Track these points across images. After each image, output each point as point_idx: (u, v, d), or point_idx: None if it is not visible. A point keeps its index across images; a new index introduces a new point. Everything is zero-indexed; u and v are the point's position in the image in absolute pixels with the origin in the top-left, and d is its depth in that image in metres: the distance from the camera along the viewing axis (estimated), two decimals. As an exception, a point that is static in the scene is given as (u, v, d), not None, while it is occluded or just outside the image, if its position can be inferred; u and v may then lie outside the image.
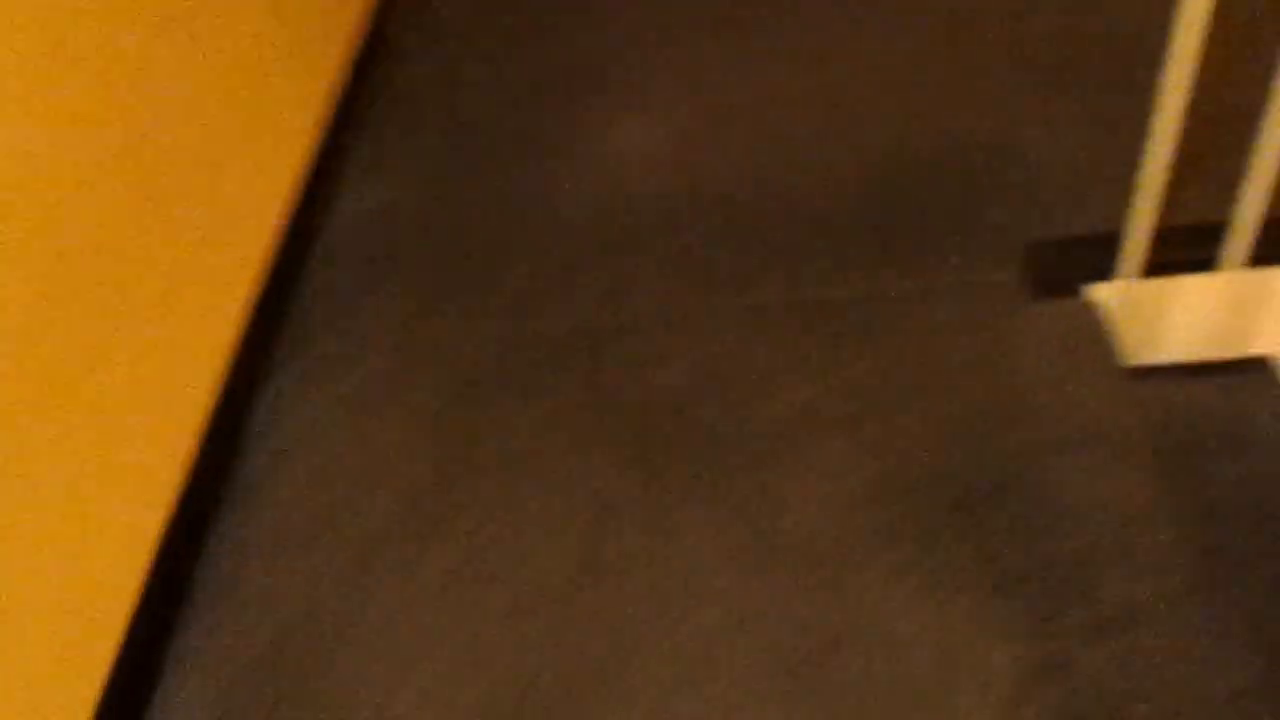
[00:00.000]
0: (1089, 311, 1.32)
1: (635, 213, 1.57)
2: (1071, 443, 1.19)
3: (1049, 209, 1.42)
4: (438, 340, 1.45)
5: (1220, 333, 1.36)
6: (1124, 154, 1.26)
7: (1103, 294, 1.32)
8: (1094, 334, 1.30)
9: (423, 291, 1.53)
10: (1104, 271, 1.32)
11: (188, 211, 1.33)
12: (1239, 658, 1.01)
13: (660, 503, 1.21)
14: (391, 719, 1.07)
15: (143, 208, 1.23)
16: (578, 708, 1.05)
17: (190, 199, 1.34)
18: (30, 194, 1.03)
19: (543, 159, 1.71)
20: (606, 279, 1.48)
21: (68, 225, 1.08)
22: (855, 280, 1.38)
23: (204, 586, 1.23)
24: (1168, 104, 1.11)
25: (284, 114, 1.63)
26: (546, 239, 1.56)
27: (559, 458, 1.28)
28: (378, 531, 1.25)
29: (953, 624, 1.05)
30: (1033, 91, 1.61)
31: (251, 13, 1.56)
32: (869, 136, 1.59)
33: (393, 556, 1.22)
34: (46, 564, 1.00)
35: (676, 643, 1.08)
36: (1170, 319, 1.35)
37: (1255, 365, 1.37)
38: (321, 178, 1.72)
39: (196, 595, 1.22)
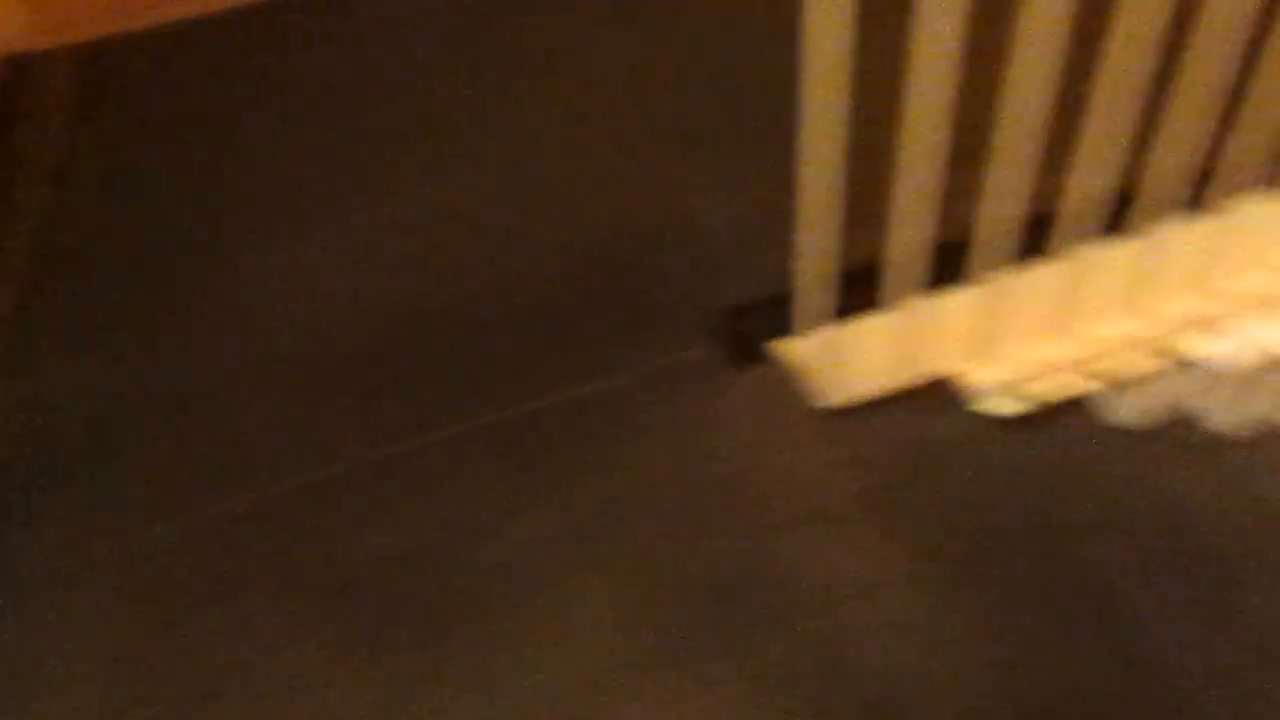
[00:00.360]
0: (783, 372, 1.32)
1: (304, 358, 1.42)
2: (798, 515, 1.18)
3: (729, 274, 1.43)
4: (104, 560, 1.24)
5: (903, 362, 1.41)
6: (791, 205, 1.27)
7: (791, 350, 1.33)
8: (792, 394, 1.31)
9: (77, 504, 1.31)
10: (791, 328, 1.34)
11: None
12: (1002, 703, 1.03)
13: (394, 694, 1.08)
14: None
15: None
16: None
17: None
18: None
19: (196, 312, 1.52)
20: (286, 441, 1.33)
21: None
22: (555, 390, 1.32)
23: None
24: (813, 150, 1.12)
25: None
26: (213, 408, 1.38)
27: (266, 664, 1.13)
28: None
29: (732, 746, 1.00)
30: (693, 158, 1.62)
31: None
32: (542, 236, 1.53)
33: None
34: None
35: None
36: (857, 360, 1.38)
37: (939, 386, 1.44)
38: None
39: None
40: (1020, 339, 1.49)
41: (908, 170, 1.21)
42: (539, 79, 1.81)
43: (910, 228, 1.26)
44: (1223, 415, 1.95)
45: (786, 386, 1.31)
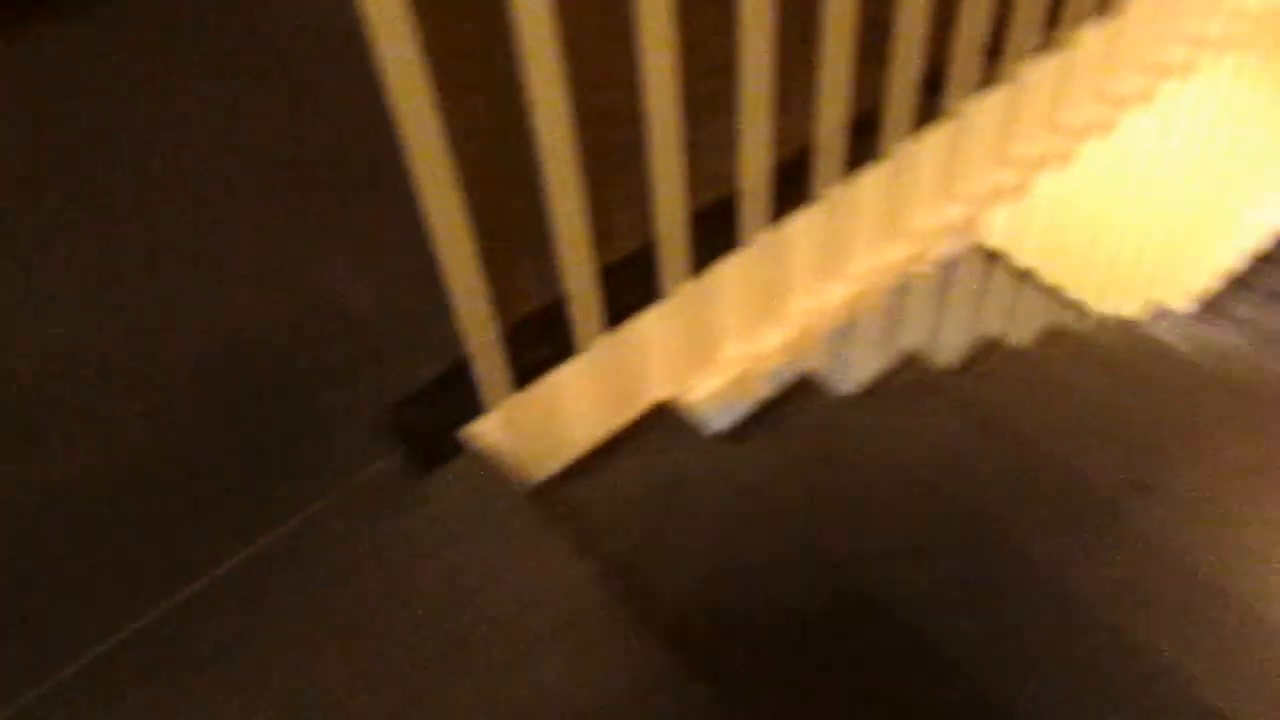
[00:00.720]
0: (485, 458, 1.12)
1: None
2: (541, 634, 0.99)
3: (397, 360, 1.19)
4: None
5: (614, 403, 1.24)
6: (435, 266, 1.06)
7: (486, 431, 1.13)
8: (501, 482, 1.11)
9: None
10: (480, 404, 1.13)
11: None
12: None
13: None
14: None
15: None
16: None
17: None
18: None
19: None
20: None
21: None
22: (216, 564, 1.04)
23: None
24: (431, 190, 0.92)
25: None
26: None
27: None
28: None
29: None
30: (317, 228, 1.35)
31: None
32: (154, 369, 1.22)
33: None
34: None
35: None
36: (563, 417, 1.20)
37: (660, 415, 1.28)
38: None
39: None
40: (733, 337, 1.36)
41: (557, 193, 1.03)
42: (114, 169, 1.48)
43: (577, 255, 1.08)
44: (945, 347, 1.93)
45: (492, 475, 1.11)
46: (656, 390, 1.29)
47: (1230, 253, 3.09)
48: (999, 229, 2.20)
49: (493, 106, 1.02)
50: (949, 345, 1.88)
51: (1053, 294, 2.46)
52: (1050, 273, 2.43)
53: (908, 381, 1.60)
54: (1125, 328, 2.31)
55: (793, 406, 1.41)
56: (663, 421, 1.27)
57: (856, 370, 1.57)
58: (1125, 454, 1.67)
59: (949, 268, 1.95)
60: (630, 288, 1.19)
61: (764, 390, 1.43)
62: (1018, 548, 1.31)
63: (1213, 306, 2.91)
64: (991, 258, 2.40)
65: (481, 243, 1.04)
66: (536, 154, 1.01)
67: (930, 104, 1.37)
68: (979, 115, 1.46)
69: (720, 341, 1.35)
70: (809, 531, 1.19)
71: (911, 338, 1.74)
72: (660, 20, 0.97)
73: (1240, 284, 2.98)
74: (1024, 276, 2.40)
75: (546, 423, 1.19)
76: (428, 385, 1.14)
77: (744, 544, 1.16)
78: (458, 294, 1.02)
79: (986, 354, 1.85)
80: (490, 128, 1.05)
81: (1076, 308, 2.45)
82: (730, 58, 1.12)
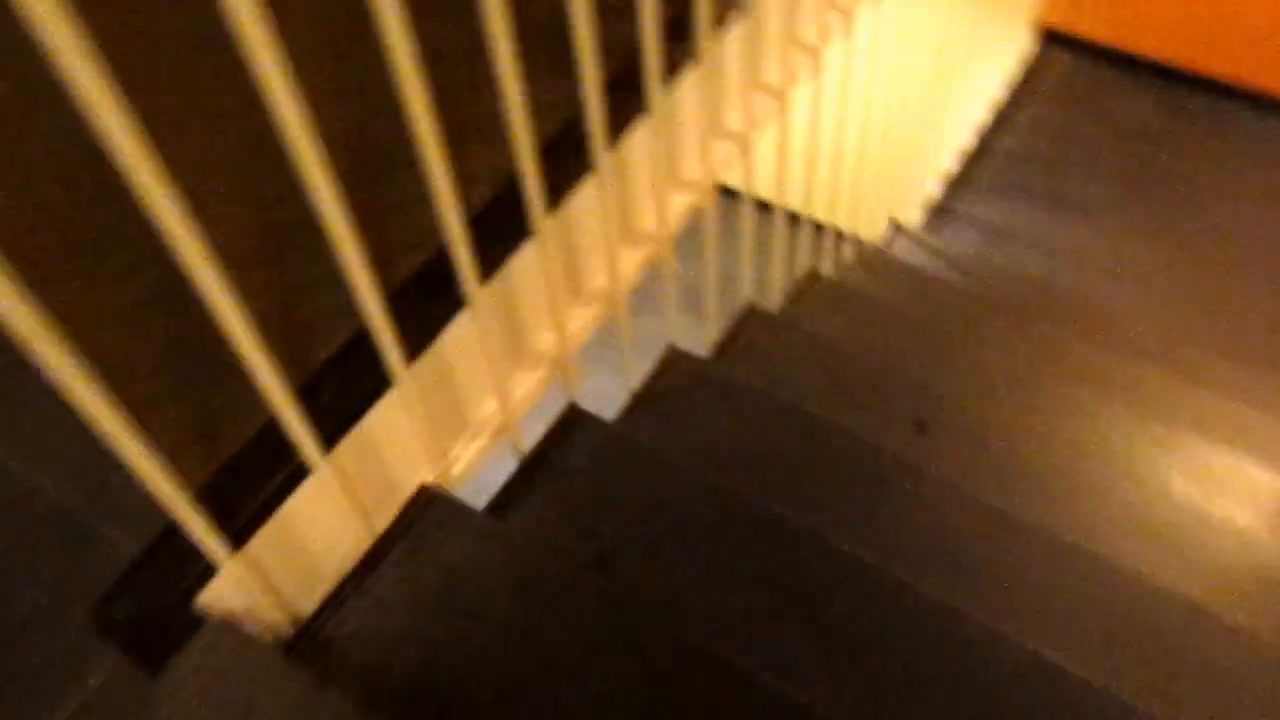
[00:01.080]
0: (229, 628, 0.96)
1: None
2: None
3: (94, 541, 1.01)
4: None
5: (369, 510, 1.11)
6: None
7: (221, 594, 0.97)
8: (254, 652, 0.96)
9: None
10: (206, 567, 0.97)
11: None
12: None
13: None
14: None
15: None
16: None
17: None
18: None
19: None
20: None
21: None
22: None
23: None
24: (51, 361, 0.76)
25: None
26: None
27: None
28: None
29: None
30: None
31: None
32: None
33: None
34: None
35: None
36: (312, 543, 1.06)
37: (420, 505, 1.16)
38: None
39: None
40: (484, 395, 1.25)
41: (219, 304, 0.87)
42: None
43: (271, 373, 0.94)
44: (705, 327, 1.88)
45: (240, 646, 0.96)
46: (414, 479, 1.16)
47: (946, 156, 3.22)
48: (733, 174, 2.16)
49: (106, 226, 0.86)
50: (708, 322, 1.83)
51: (796, 223, 2.45)
52: (790, 203, 2.42)
53: (674, 381, 1.54)
54: (869, 258, 2.34)
55: (562, 448, 1.32)
56: (425, 511, 1.15)
57: (622, 384, 1.49)
58: (900, 398, 1.68)
59: (692, 231, 1.88)
60: (349, 388, 1.05)
61: (530, 437, 1.33)
62: (821, 538, 1.27)
63: (942, 212, 3.02)
64: (729, 195, 2.37)
65: (147, 389, 0.88)
66: (187, 268, 0.85)
67: (630, 102, 1.29)
68: (682, 100, 1.39)
69: (471, 405, 1.23)
70: (605, 597, 1.11)
71: (669, 329, 1.68)
72: (285, 95, 0.83)
73: (960, 183, 3.12)
74: (764, 208, 2.39)
75: (296, 557, 1.04)
76: (138, 561, 0.97)
77: (536, 635, 1.06)
78: (125, 457, 0.86)
79: (744, 325, 1.81)
80: (109, 250, 0.88)
81: (821, 234, 2.46)
82: (394, 105, 0.99)
